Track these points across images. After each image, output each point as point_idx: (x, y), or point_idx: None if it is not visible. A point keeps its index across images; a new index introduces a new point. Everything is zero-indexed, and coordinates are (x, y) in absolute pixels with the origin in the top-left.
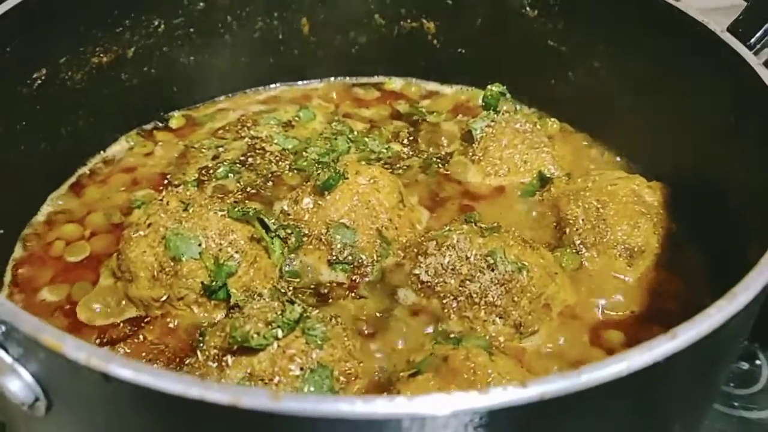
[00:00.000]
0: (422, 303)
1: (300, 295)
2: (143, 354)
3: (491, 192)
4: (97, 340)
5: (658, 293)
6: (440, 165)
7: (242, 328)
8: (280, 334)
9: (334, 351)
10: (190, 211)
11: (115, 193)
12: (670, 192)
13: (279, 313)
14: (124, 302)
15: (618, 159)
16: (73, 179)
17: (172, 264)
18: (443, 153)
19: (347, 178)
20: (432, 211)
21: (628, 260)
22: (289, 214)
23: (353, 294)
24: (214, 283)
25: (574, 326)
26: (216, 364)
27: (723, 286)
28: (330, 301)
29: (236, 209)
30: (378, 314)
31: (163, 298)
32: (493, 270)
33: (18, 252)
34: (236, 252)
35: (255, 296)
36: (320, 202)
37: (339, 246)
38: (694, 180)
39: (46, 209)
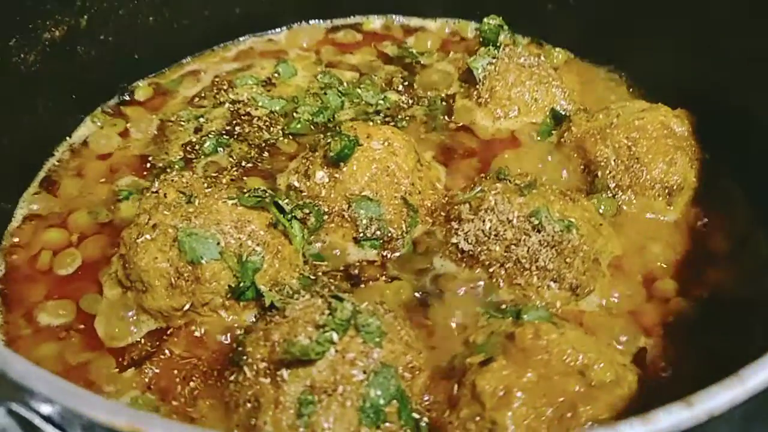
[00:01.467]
0: (464, 273)
1: (330, 280)
2: (175, 372)
3: (504, 137)
4: (123, 362)
5: (702, 232)
6: (444, 113)
7: (300, 343)
8: (335, 337)
9: (394, 346)
10: (196, 203)
11: (95, 186)
12: (696, 119)
13: (327, 312)
14: (138, 314)
15: (630, 87)
16: (42, 173)
17: (190, 268)
18: (444, 96)
19: (361, 145)
20: (447, 166)
21: (667, 199)
22: (301, 191)
23: (385, 272)
24: (241, 284)
25: (626, 279)
26: (269, 379)
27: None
28: (363, 283)
29: (247, 196)
30: (419, 293)
31: (186, 307)
32: (539, 231)
33: (1, 269)
34: (258, 244)
35: (285, 290)
36: (336, 175)
37: (364, 221)
38: (719, 104)
39: (20, 213)
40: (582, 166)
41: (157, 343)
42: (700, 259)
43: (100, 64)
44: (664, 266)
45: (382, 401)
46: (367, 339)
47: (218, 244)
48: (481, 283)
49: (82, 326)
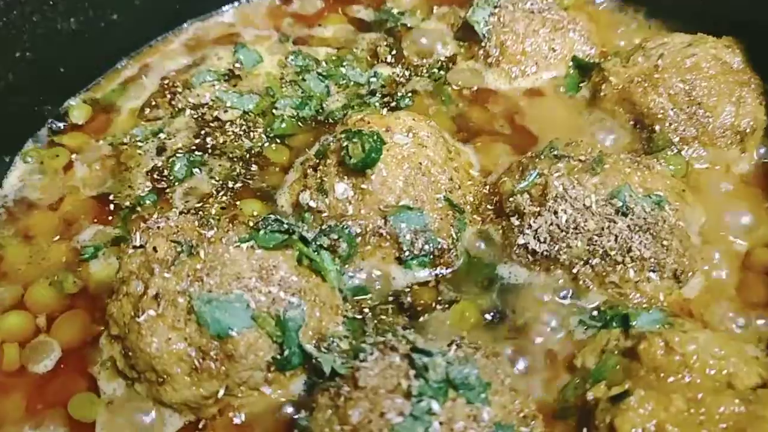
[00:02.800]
0: (540, 279)
1: (382, 317)
2: None
3: (527, 99)
4: None
5: None
6: (449, 81)
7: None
8: (436, 406)
9: (501, 397)
10: (202, 255)
11: (50, 248)
12: (745, 46)
13: (414, 374)
14: (156, 410)
15: (648, 19)
16: None
17: (217, 344)
18: (443, 60)
19: (385, 143)
20: (473, 143)
21: (740, 145)
22: (320, 211)
23: (441, 296)
24: (286, 351)
25: (720, 250)
26: None
27: None
28: (422, 314)
29: (263, 233)
30: (491, 314)
31: (221, 393)
32: (626, 215)
33: None
34: (293, 294)
35: (334, 344)
36: (364, 185)
37: (408, 236)
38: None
39: None
40: (632, 122)
41: None
42: None
43: (21, 89)
44: (754, 227)
45: None
46: (471, 398)
47: (247, 306)
48: (565, 288)
49: None
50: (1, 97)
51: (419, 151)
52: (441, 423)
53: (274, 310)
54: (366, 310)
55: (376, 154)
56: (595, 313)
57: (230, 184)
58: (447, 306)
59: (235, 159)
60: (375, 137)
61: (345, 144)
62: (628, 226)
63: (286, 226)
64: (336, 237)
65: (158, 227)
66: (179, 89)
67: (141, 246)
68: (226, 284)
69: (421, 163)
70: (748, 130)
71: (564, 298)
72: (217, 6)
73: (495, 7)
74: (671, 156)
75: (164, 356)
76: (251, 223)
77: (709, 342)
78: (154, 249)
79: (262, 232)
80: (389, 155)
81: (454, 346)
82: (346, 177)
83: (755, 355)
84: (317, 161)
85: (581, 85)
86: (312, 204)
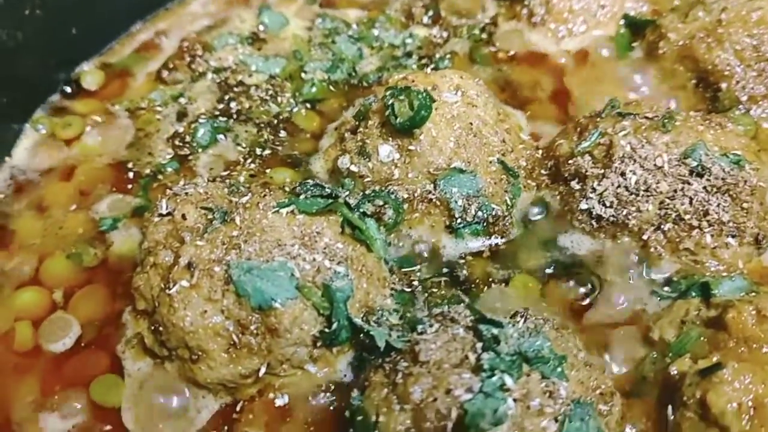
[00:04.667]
0: (606, 247)
1: (433, 290)
2: None
3: (575, 60)
4: None
5: None
6: (490, 42)
7: (495, 408)
8: (509, 381)
9: (578, 372)
10: (238, 221)
11: (65, 219)
12: None
13: (480, 347)
14: (190, 391)
15: None
16: None
17: (258, 317)
18: (485, 23)
19: (435, 101)
20: (519, 108)
21: None
22: (362, 176)
23: (499, 265)
24: (334, 325)
25: None
26: None
27: None
28: (478, 287)
29: (304, 198)
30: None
31: (262, 371)
32: (701, 175)
33: None
34: (339, 263)
35: (383, 318)
36: (411, 147)
37: (460, 201)
38: None
39: None
40: (694, 81)
41: (226, 428)
42: None
43: (31, 49)
44: None
45: None
46: (546, 372)
47: (291, 275)
48: (634, 256)
49: (108, 427)
50: (10, 58)
51: (469, 111)
52: (515, 400)
53: (320, 279)
54: (415, 282)
55: (426, 112)
56: (667, 284)
57: (258, 151)
58: (505, 279)
59: (262, 125)
60: (424, 94)
61: (390, 102)
62: (705, 188)
63: (328, 190)
64: (381, 203)
65: (186, 194)
66: (199, 52)
67: (168, 214)
68: (267, 252)
69: (471, 123)
70: None
71: (631, 266)
72: None
73: None
74: (739, 115)
75: (199, 331)
76: (287, 189)
77: None
78: (183, 216)
79: (302, 196)
80: (438, 114)
81: (520, 318)
82: (390, 138)
83: None
84: (356, 124)
85: (633, 45)
86: (353, 168)
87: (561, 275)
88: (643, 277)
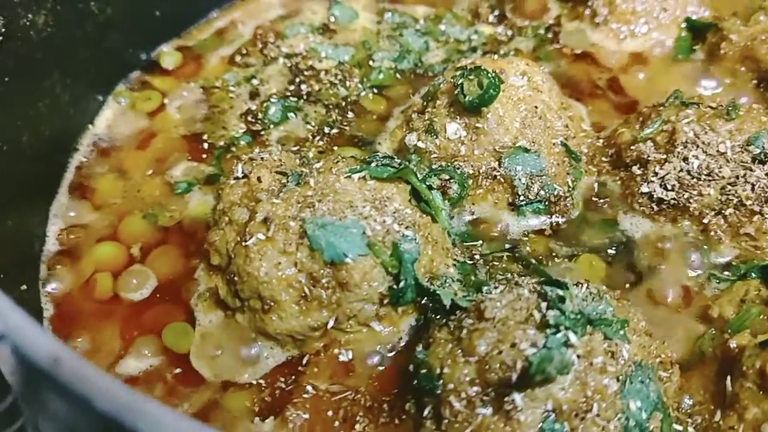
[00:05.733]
0: (666, 230)
1: (494, 263)
2: (331, 415)
3: (637, 60)
4: (256, 409)
5: None
6: (554, 41)
7: (561, 357)
8: (574, 339)
9: (640, 337)
10: (312, 183)
11: (143, 182)
12: None
13: (545, 306)
14: (259, 343)
15: None
16: (69, 176)
17: (330, 271)
18: (550, 23)
19: (503, 81)
20: (580, 102)
21: None
22: (430, 152)
23: (561, 244)
24: (402, 283)
25: None
26: (490, 409)
27: None
28: (540, 263)
29: (375, 164)
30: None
31: (330, 324)
32: (764, 162)
33: (48, 308)
34: (407, 227)
35: (447, 283)
36: (478, 125)
37: (523, 179)
38: None
39: (53, 231)
40: (755, 81)
41: (293, 377)
42: None
43: (118, 24)
44: None
45: (644, 415)
46: (609, 334)
47: (363, 232)
48: (695, 239)
49: (178, 369)
50: (100, 31)
51: (535, 95)
52: (579, 356)
53: (389, 240)
54: (477, 256)
55: (494, 91)
56: (726, 268)
57: (326, 130)
58: (569, 256)
59: (331, 106)
60: (494, 74)
61: (460, 82)
62: (767, 174)
63: (398, 160)
64: (447, 177)
65: (261, 158)
66: (271, 39)
67: (244, 177)
68: (340, 211)
69: (536, 107)
70: None
71: (691, 250)
72: None
73: None
74: None
75: (273, 282)
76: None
77: None
78: (259, 179)
79: (374, 164)
80: (504, 96)
81: (582, 285)
82: (458, 117)
83: None
84: (424, 104)
85: (695, 48)
86: (420, 145)
87: (622, 255)
88: (703, 261)
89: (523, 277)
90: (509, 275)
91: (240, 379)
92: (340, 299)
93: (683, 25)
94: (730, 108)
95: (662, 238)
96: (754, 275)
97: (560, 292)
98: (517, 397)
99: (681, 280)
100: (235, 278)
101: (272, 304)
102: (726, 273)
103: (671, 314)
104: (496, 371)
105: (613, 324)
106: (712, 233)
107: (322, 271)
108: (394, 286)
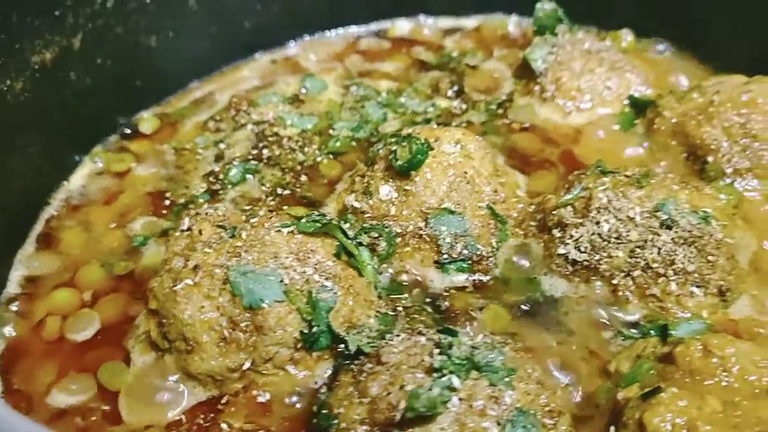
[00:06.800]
0: (580, 290)
1: (414, 316)
2: None
3: (580, 133)
4: None
5: None
6: (505, 115)
7: (426, 395)
8: (457, 382)
9: (527, 385)
10: (244, 236)
11: (105, 233)
12: None
13: (438, 352)
14: (183, 382)
15: (707, 66)
16: (38, 228)
17: (248, 316)
18: (503, 98)
19: (433, 149)
20: (523, 173)
21: None
22: (363, 212)
23: (481, 300)
24: (315, 329)
25: None
26: None
27: None
28: (456, 317)
29: (304, 220)
30: (524, 320)
31: (246, 366)
32: (670, 227)
33: None
34: (327, 278)
35: (365, 332)
36: (407, 187)
37: (447, 239)
38: None
39: (16, 277)
40: (685, 154)
41: (211, 416)
42: None
43: (97, 92)
44: None
45: None
46: (494, 380)
47: (281, 281)
48: (604, 299)
49: (106, 407)
50: (77, 99)
51: (465, 162)
52: (460, 399)
53: (306, 289)
54: (399, 308)
55: (422, 156)
56: (634, 327)
57: (279, 191)
58: (479, 310)
59: (287, 170)
60: (422, 141)
61: (394, 148)
62: (672, 239)
63: (328, 218)
64: (376, 235)
65: (206, 213)
66: (244, 107)
67: (188, 229)
68: (263, 261)
69: (466, 172)
70: None
71: (601, 309)
72: (286, 40)
73: (553, 46)
74: (724, 186)
75: (196, 324)
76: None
77: (752, 351)
78: (200, 232)
79: (303, 220)
80: (435, 161)
81: (482, 335)
82: (391, 180)
83: None
84: (365, 168)
85: (635, 122)
86: (356, 205)
87: (536, 312)
88: (611, 319)
89: (429, 328)
90: (420, 326)
91: (162, 417)
92: (257, 342)
93: (626, 102)
94: (641, 177)
95: (576, 298)
96: (653, 333)
97: (450, 339)
98: None
99: (587, 337)
100: (164, 320)
101: (195, 345)
102: (633, 331)
103: (575, 366)
104: (383, 411)
105: (499, 371)
106: (621, 293)
107: (241, 315)
108: (306, 332)
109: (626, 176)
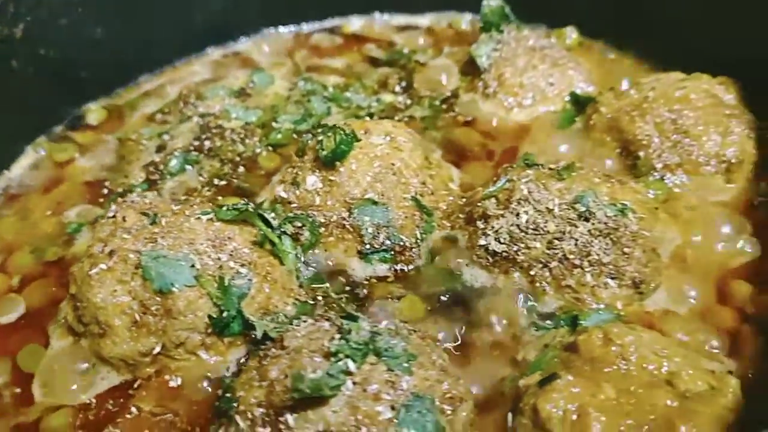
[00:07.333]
0: (499, 281)
1: (334, 306)
2: None
3: (520, 129)
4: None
5: None
6: (448, 110)
7: (309, 377)
8: (352, 366)
9: (426, 371)
10: (163, 223)
11: (40, 221)
12: (741, 86)
13: (338, 337)
14: (95, 366)
15: (651, 65)
16: None
17: (158, 300)
18: (448, 94)
19: (359, 140)
20: (459, 166)
21: (726, 176)
22: (290, 202)
23: (402, 289)
24: (225, 314)
25: (691, 273)
26: (269, 429)
27: None
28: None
29: (225, 208)
30: (441, 312)
31: (156, 350)
32: (587, 219)
33: None
34: (242, 265)
35: (280, 318)
36: (332, 178)
37: (370, 229)
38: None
39: None
40: (618, 149)
41: (121, 400)
42: None
43: (40, 82)
44: (735, 255)
45: None
46: (392, 365)
47: (192, 266)
48: (522, 290)
49: (18, 389)
50: (20, 90)
51: (393, 153)
52: (355, 383)
53: (218, 274)
54: (319, 297)
55: (345, 146)
56: (549, 318)
57: (215, 182)
58: (397, 299)
59: (226, 161)
60: (347, 132)
61: (320, 138)
62: (589, 231)
63: (247, 206)
64: (300, 225)
65: (132, 201)
66: (192, 100)
67: (113, 216)
68: (178, 247)
69: (393, 164)
70: (734, 161)
71: (518, 300)
72: (237, 35)
73: (498, 42)
74: (653, 181)
75: (108, 308)
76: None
77: (654, 340)
78: (123, 218)
79: (224, 208)
80: (362, 152)
81: (387, 322)
82: (318, 170)
83: (711, 369)
84: (297, 159)
85: (576, 119)
86: (284, 195)
87: (454, 303)
88: (527, 310)
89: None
90: (332, 313)
91: (73, 400)
92: (167, 326)
93: (567, 99)
94: (563, 169)
95: (495, 289)
96: (564, 324)
97: (351, 324)
98: (290, 417)
99: (503, 328)
100: (79, 304)
101: (107, 328)
102: (548, 322)
103: (485, 357)
104: (279, 394)
105: (399, 357)
106: (538, 284)
107: (151, 299)
108: (215, 316)
109: (550, 169)
